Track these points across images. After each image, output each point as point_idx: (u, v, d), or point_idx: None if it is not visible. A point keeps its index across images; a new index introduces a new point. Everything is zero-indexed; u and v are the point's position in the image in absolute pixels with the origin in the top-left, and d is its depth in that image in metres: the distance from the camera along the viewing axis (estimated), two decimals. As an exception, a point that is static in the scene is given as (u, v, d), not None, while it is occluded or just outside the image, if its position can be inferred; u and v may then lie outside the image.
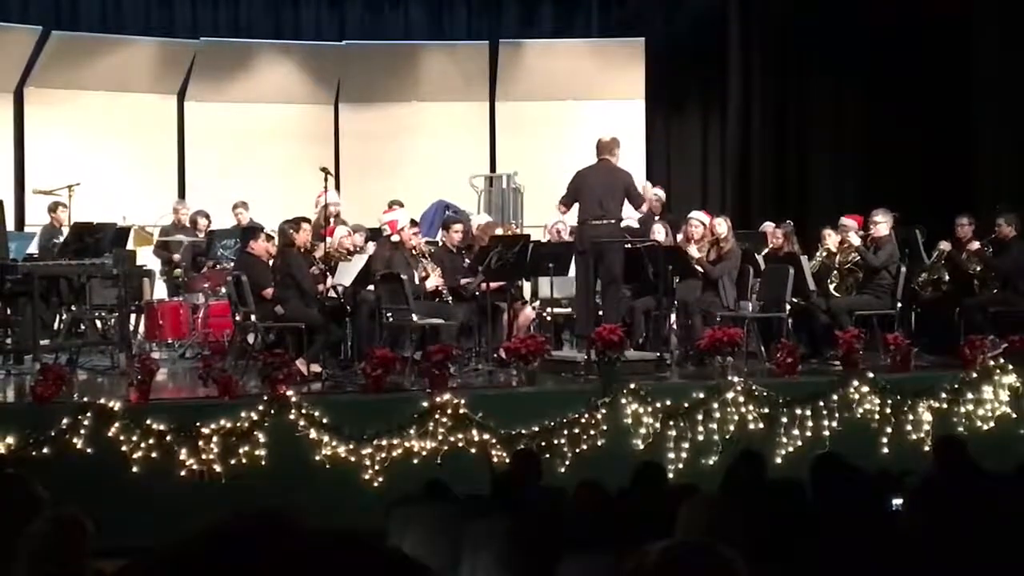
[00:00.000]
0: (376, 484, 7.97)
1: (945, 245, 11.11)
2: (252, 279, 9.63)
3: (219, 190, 13.51)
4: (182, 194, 14.25)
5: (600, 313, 9.82)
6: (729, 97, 15.01)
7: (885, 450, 8.92)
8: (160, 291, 12.15)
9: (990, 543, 4.02)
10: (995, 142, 13.29)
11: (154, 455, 7.74)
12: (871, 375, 9.12)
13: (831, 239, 10.93)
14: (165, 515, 7.16)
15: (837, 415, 8.91)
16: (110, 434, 7.69)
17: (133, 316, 11.30)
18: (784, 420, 8.80)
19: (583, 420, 8.43)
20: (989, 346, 9.59)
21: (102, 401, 7.84)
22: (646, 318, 10.44)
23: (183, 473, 7.76)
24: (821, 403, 8.89)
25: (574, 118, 14.68)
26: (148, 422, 7.76)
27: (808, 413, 8.85)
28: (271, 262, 9.91)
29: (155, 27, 14.86)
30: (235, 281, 9.72)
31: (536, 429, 8.32)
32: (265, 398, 8.04)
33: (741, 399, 8.75)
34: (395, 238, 10.50)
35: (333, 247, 10.73)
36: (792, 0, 14.40)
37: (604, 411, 8.49)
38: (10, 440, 7.53)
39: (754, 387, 8.82)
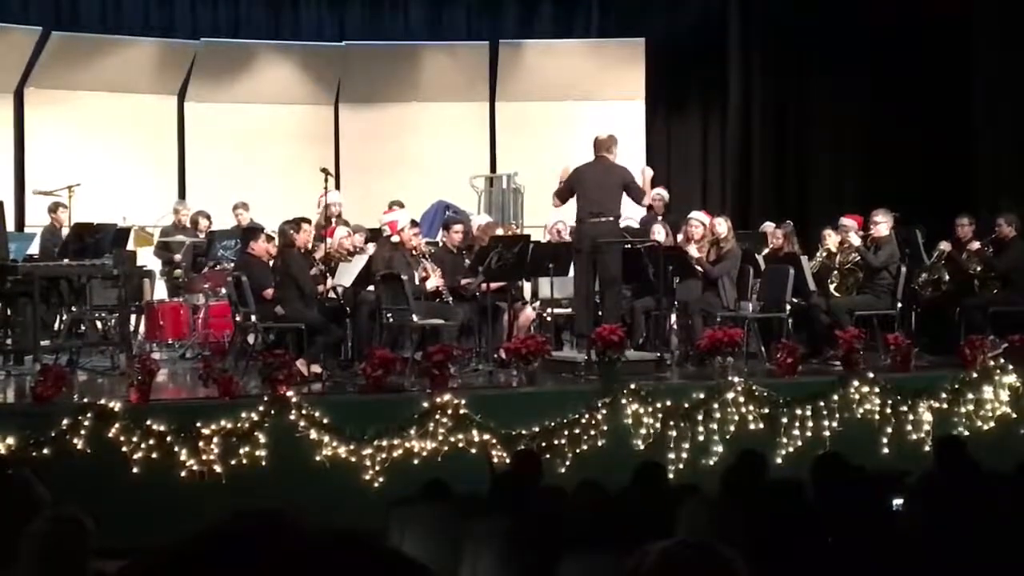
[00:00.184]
0: (376, 484, 7.97)
1: (945, 245, 11.11)
2: (252, 280, 9.63)
3: (219, 191, 13.50)
4: (182, 195, 14.25)
5: (600, 313, 9.82)
6: (729, 97, 15.01)
7: (885, 450, 8.93)
8: (160, 292, 12.16)
9: (990, 543, 4.02)
10: (995, 142, 13.29)
11: (154, 455, 7.73)
12: (871, 375, 9.12)
13: (831, 239, 10.93)
14: (165, 515, 7.16)
15: (837, 415, 8.91)
16: (110, 435, 7.69)
17: (133, 316, 11.31)
18: (784, 420, 8.79)
19: (583, 420, 8.43)
20: (989, 346, 9.59)
21: (102, 402, 7.84)
22: (646, 318, 10.44)
23: (183, 474, 7.76)
24: (821, 403, 8.89)
25: (574, 118, 14.68)
26: (148, 423, 7.76)
27: (808, 413, 8.85)
28: (271, 263, 9.92)
29: (155, 28, 14.87)
30: (235, 282, 9.72)
31: (536, 429, 8.32)
32: (265, 399, 8.04)
33: (741, 399, 8.75)
34: (395, 238, 10.50)
35: (333, 248, 10.74)
36: (792, 0, 14.39)
37: (604, 411, 8.49)
38: (10, 440, 7.52)
39: (754, 387, 8.82)
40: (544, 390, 8.86)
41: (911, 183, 13.14)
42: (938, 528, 4.25)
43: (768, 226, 12.13)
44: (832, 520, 4.49)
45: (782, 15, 14.50)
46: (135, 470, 7.68)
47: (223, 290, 10.70)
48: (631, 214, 10.58)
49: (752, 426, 8.73)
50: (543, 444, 8.23)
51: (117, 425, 7.70)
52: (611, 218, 9.75)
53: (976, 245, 10.99)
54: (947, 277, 11.14)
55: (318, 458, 7.98)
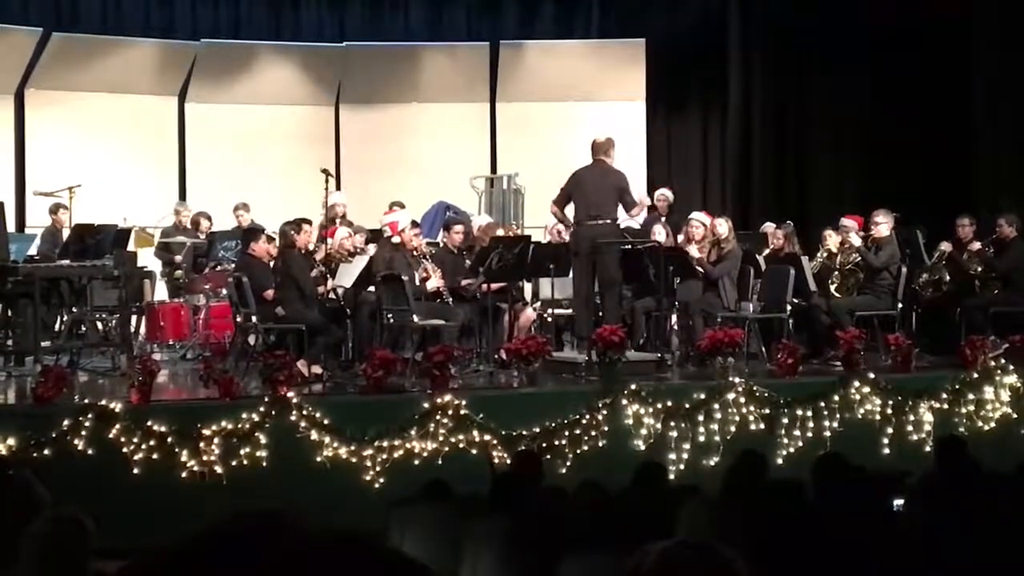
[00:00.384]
0: (377, 485, 7.97)
1: (946, 245, 11.10)
2: (253, 280, 9.64)
3: (220, 191, 13.50)
4: (183, 196, 14.24)
5: (600, 314, 9.82)
6: (729, 98, 15.01)
7: (886, 450, 8.92)
8: (161, 292, 12.15)
9: (991, 543, 4.02)
10: (995, 142, 13.28)
11: (155, 456, 7.73)
12: (872, 375, 9.12)
13: (832, 240, 10.92)
14: (166, 516, 7.17)
15: (838, 415, 8.91)
16: (111, 435, 7.69)
17: (134, 317, 11.31)
18: (785, 421, 8.79)
19: (584, 421, 8.43)
20: (990, 346, 9.59)
21: (103, 402, 7.84)
22: (647, 319, 10.44)
23: (184, 474, 7.76)
24: (822, 403, 8.89)
25: (575, 119, 14.67)
26: (149, 423, 7.76)
27: (809, 414, 8.85)
28: (272, 263, 9.92)
29: (155, 28, 14.86)
30: (236, 282, 9.72)
31: (537, 430, 8.32)
32: (266, 399, 8.04)
33: (742, 400, 8.75)
34: (396, 239, 10.51)
35: (334, 248, 10.74)
36: (792, 0, 14.39)
37: (605, 412, 8.49)
38: (11, 441, 7.53)
39: (755, 388, 8.82)
40: (545, 391, 8.86)
41: (911, 183, 13.14)
42: (939, 528, 4.25)
43: (769, 227, 12.13)
44: (833, 520, 4.49)
45: (782, 15, 14.50)
46: (136, 471, 7.68)
47: (224, 291, 10.70)
48: (627, 216, 10.56)
49: (753, 426, 8.73)
50: (544, 445, 8.23)
51: (118, 426, 7.71)
52: (608, 220, 9.75)
53: (977, 245, 10.99)
54: (948, 277, 11.14)
55: (319, 459, 7.98)
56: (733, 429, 8.66)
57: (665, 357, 9.82)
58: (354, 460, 8.01)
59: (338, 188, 12.51)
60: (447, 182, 13.89)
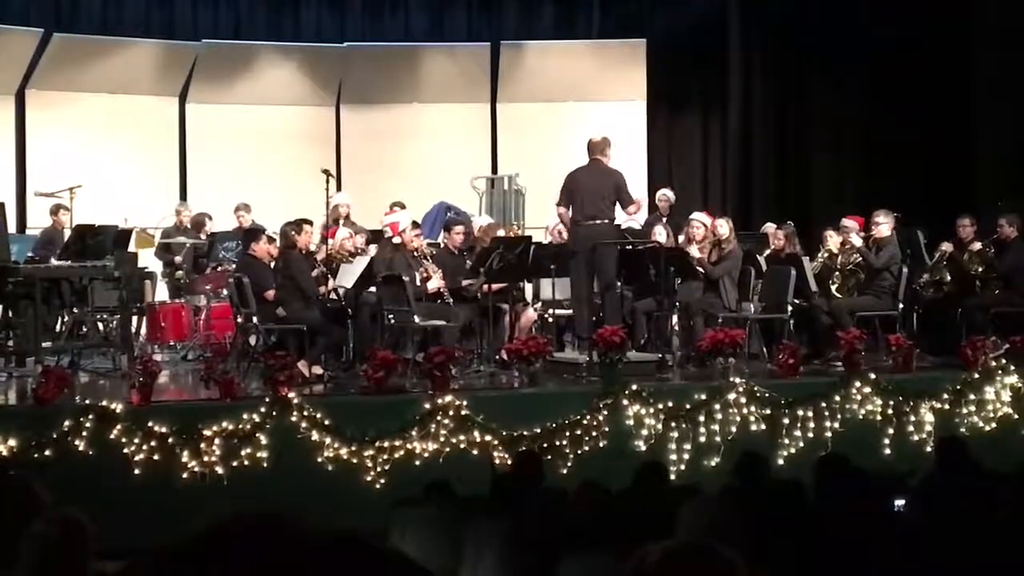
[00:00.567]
0: (378, 486, 7.97)
1: (947, 246, 11.09)
2: (254, 281, 9.64)
3: (220, 192, 13.51)
4: (184, 196, 14.24)
5: (600, 314, 9.83)
6: (730, 98, 15.01)
7: (887, 451, 8.92)
8: (162, 293, 12.16)
9: (991, 543, 4.02)
10: (995, 142, 13.28)
11: (156, 457, 7.74)
12: (873, 376, 9.11)
13: (832, 240, 10.92)
14: (166, 517, 7.16)
15: (839, 416, 8.91)
16: (112, 436, 7.69)
17: (135, 318, 11.31)
18: (786, 421, 8.79)
19: (585, 421, 8.43)
20: (991, 347, 9.58)
21: (104, 403, 7.84)
22: (647, 319, 10.44)
23: (185, 475, 7.76)
24: (823, 404, 8.89)
25: (575, 119, 14.67)
26: (150, 424, 7.76)
27: (810, 414, 8.85)
28: (272, 264, 9.92)
29: (156, 29, 14.86)
30: (237, 283, 9.72)
31: (538, 430, 8.33)
32: (267, 400, 8.04)
33: (743, 400, 8.74)
34: (396, 240, 10.51)
35: (335, 249, 10.74)
36: (792, 0, 14.40)
37: (606, 412, 8.49)
38: (12, 442, 7.53)
39: (756, 388, 8.82)
40: (545, 391, 8.86)
41: (912, 183, 13.15)
42: (939, 528, 4.26)
43: (769, 227, 12.13)
44: (834, 521, 4.49)
45: (782, 15, 14.50)
46: (136, 471, 7.69)
47: (224, 291, 10.70)
48: (627, 215, 10.56)
49: (753, 427, 8.73)
50: (544, 445, 8.23)
51: (118, 427, 7.71)
52: (607, 220, 9.74)
53: (978, 246, 10.99)
54: (948, 278, 11.13)
55: (320, 459, 7.98)
56: (734, 430, 8.66)
57: (666, 357, 9.82)
58: (355, 461, 8.01)
59: (339, 188, 12.51)
60: (448, 182, 13.89)
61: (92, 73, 14.24)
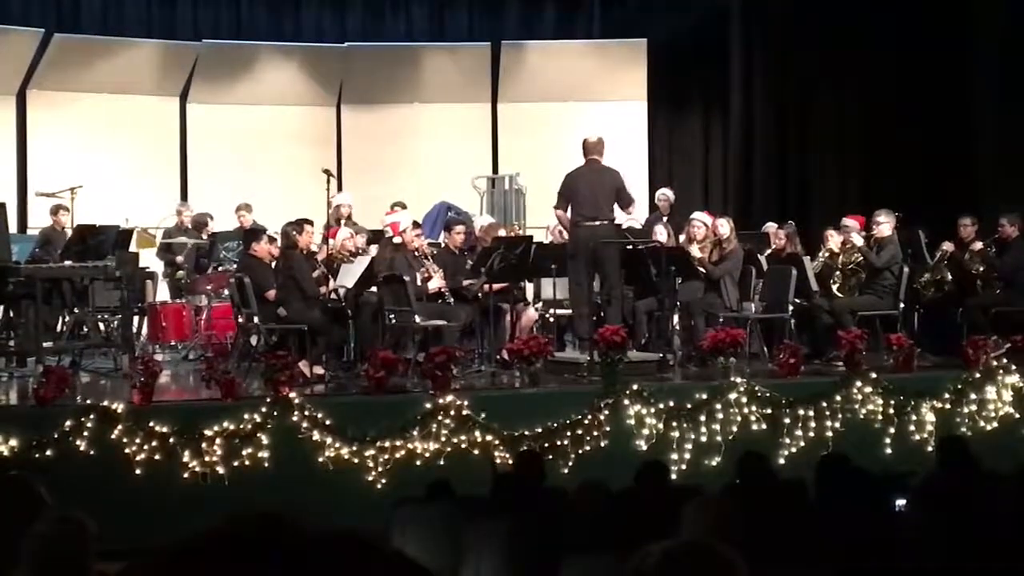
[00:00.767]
0: (379, 486, 7.97)
1: (948, 245, 11.09)
2: (254, 281, 9.64)
3: (221, 192, 13.51)
4: (184, 196, 14.25)
5: (602, 314, 9.82)
6: (731, 98, 15.01)
7: (888, 451, 8.92)
8: (163, 293, 12.16)
9: (992, 543, 4.02)
10: (995, 142, 13.27)
11: (157, 457, 7.74)
12: (874, 376, 9.11)
13: (833, 240, 10.92)
14: (167, 517, 7.18)
15: (840, 416, 8.90)
16: (113, 436, 7.69)
17: (136, 318, 11.32)
18: (787, 421, 8.79)
19: (586, 421, 8.43)
20: (992, 346, 9.57)
21: (105, 403, 7.84)
22: (648, 319, 10.44)
23: (186, 475, 7.76)
24: (824, 404, 8.89)
25: (576, 119, 14.67)
26: (151, 424, 7.76)
27: (811, 414, 8.84)
28: (273, 264, 9.92)
29: (157, 29, 14.86)
30: (238, 283, 9.73)
31: (539, 430, 8.32)
32: (268, 400, 8.04)
33: (744, 400, 8.74)
34: (397, 240, 10.51)
35: (336, 249, 10.74)
36: (793, 1, 14.39)
37: (607, 412, 8.49)
38: (13, 442, 7.53)
39: (757, 388, 8.82)
40: (546, 391, 8.85)
41: (913, 183, 13.13)
42: (940, 528, 4.25)
43: (770, 226, 12.12)
44: (835, 520, 4.49)
45: (783, 15, 14.50)
46: (137, 472, 7.69)
47: (225, 291, 10.70)
48: (626, 215, 10.55)
49: (755, 427, 8.73)
50: (545, 445, 8.22)
51: (119, 427, 7.71)
52: (606, 221, 9.72)
53: (979, 245, 10.99)
54: (950, 277, 11.13)
55: (321, 459, 7.98)
56: (735, 429, 8.66)
57: (667, 357, 9.81)
58: (356, 461, 8.01)
59: (339, 189, 12.51)
60: (448, 182, 13.90)
61: (93, 73, 14.24)
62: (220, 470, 7.79)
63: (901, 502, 5.16)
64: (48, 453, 7.56)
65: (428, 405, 8.21)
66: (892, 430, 8.99)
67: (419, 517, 4.71)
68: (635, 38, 15.21)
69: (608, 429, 8.47)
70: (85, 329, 10.49)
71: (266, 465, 7.87)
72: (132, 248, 11.45)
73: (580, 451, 8.35)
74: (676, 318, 10.60)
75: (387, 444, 8.05)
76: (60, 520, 3.24)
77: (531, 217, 13.37)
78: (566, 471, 8.09)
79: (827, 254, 10.95)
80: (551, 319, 10.73)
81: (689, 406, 8.65)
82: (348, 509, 7.48)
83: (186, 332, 11.37)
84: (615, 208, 9.83)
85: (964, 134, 13.41)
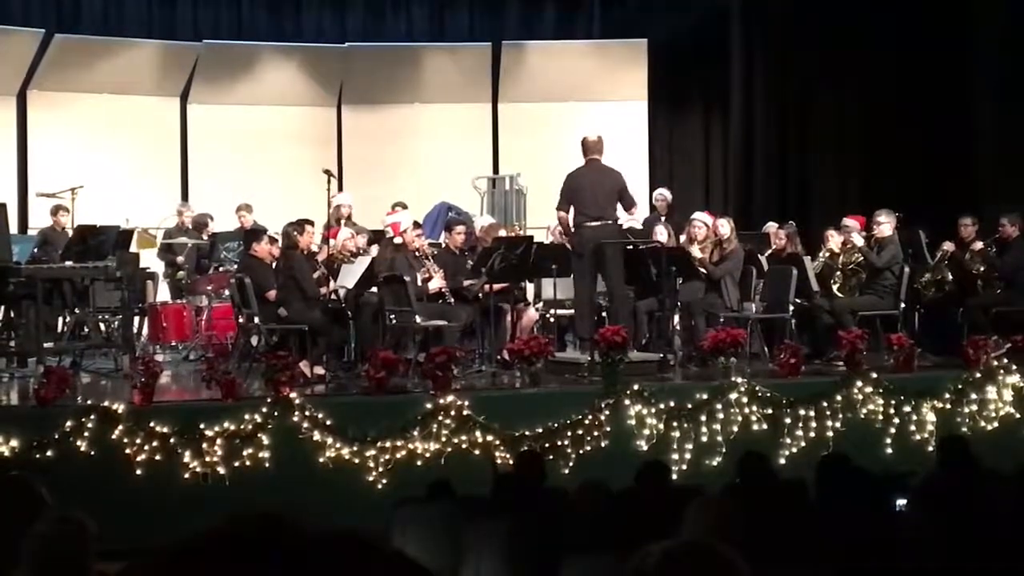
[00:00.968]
0: (380, 486, 7.97)
1: (948, 245, 11.09)
2: (255, 281, 9.64)
3: (222, 192, 13.52)
4: (185, 197, 14.25)
5: (603, 314, 9.81)
6: (731, 98, 15.01)
7: (889, 450, 8.92)
8: (163, 293, 12.16)
9: (992, 543, 4.02)
10: (996, 142, 13.27)
11: (157, 457, 7.74)
12: (874, 375, 9.11)
13: (834, 239, 10.92)
14: (168, 517, 7.18)
15: (841, 416, 8.90)
16: (113, 436, 7.70)
17: (136, 318, 11.33)
18: (788, 421, 8.79)
19: (587, 421, 8.43)
20: (993, 346, 9.57)
21: (105, 403, 7.84)
22: (649, 319, 10.43)
23: (186, 475, 7.76)
24: (824, 404, 8.89)
25: (577, 119, 14.65)
26: (151, 424, 7.76)
27: (812, 414, 8.84)
28: (274, 264, 9.92)
29: (157, 30, 14.86)
30: (238, 283, 9.73)
31: (540, 430, 8.32)
32: (268, 400, 8.04)
33: (744, 400, 8.74)
34: (398, 240, 10.51)
35: (336, 249, 10.74)
36: (794, 1, 14.39)
37: (607, 412, 8.49)
38: (14, 443, 7.53)
39: (757, 388, 8.82)
40: (547, 391, 8.85)
41: (913, 183, 13.13)
42: (940, 528, 4.25)
43: (771, 227, 12.12)
44: (835, 520, 4.49)
45: (783, 15, 14.50)
46: (138, 472, 7.69)
47: (226, 292, 10.71)
48: (627, 215, 10.53)
49: (755, 427, 8.73)
50: (546, 445, 8.22)
51: (120, 427, 7.71)
52: (610, 221, 9.70)
53: (979, 245, 10.99)
54: (950, 277, 11.13)
55: (321, 460, 7.98)
56: (736, 429, 8.66)
57: (667, 357, 9.80)
58: (357, 461, 8.01)
59: (340, 189, 12.51)
60: (449, 183, 13.90)
61: (93, 74, 14.25)
62: (221, 470, 7.79)
63: (901, 502, 5.16)
64: (49, 453, 7.56)
65: (429, 405, 8.21)
66: (892, 430, 8.99)
67: (419, 517, 4.71)
68: (635, 38, 15.21)
69: (609, 429, 8.47)
70: (86, 329, 10.50)
71: (267, 465, 7.87)
72: (133, 248, 11.46)
73: (581, 451, 8.35)
74: (677, 318, 10.61)
75: (387, 444, 8.05)
76: (60, 520, 3.24)
77: (531, 217, 13.37)
78: (567, 471, 8.09)
79: (827, 254, 10.95)
80: (552, 319, 10.73)
81: (690, 406, 8.65)
82: (348, 509, 7.48)
83: (187, 332, 11.37)
84: (618, 208, 9.82)
85: (964, 134, 13.41)
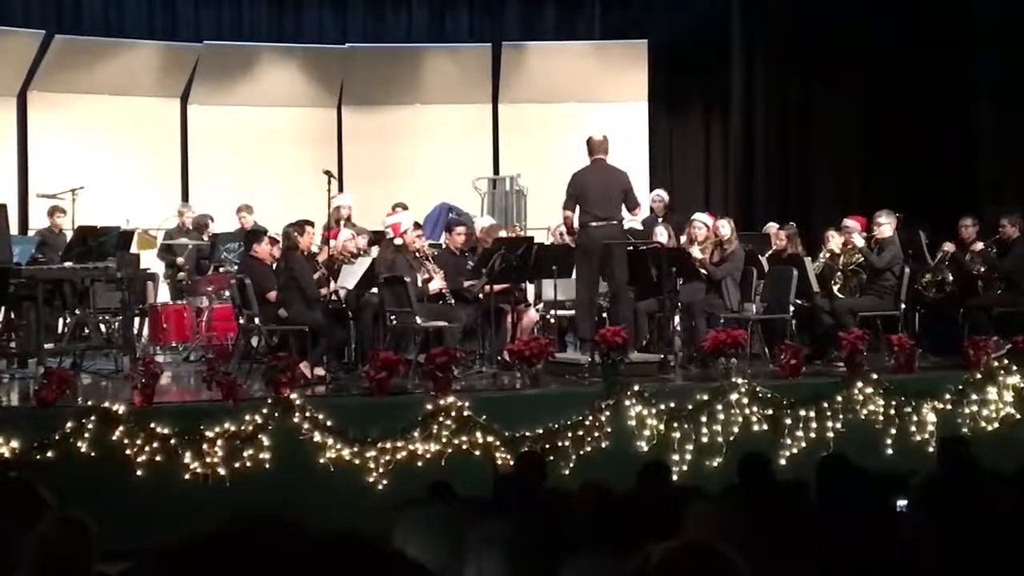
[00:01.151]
0: (380, 487, 7.97)
1: (949, 246, 11.09)
2: (255, 282, 9.64)
3: (222, 193, 13.52)
4: (185, 197, 14.26)
5: (604, 315, 9.80)
6: (732, 98, 15.01)
7: (889, 451, 8.92)
8: (164, 294, 12.17)
9: (993, 543, 4.02)
10: (996, 142, 13.27)
11: (158, 458, 7.73)
12: (875, 376, 9.11)
13: (834, 240, 10.92)
14: (169, 518, 7.17)
15: (841, 416, 8.90)
16: (114, 437, 7.69)
17: (137, 319, 11.33)
18: (788, 422, 8.79)
19: (587, 422, 8.43)
20: (993, 347, 9.57)
21: (106, 404, 7.84)
22: (650, 320, 10.43)
23: (187, 476, 7.76)
24: (825, 404, 8.89)
25: (577, 120, 14.67)
26: (152, 425, 7.76)
27: (812, 414, 8.84)
28: (274, 265, 9.92)
29: (158, 30, 14.88)
30: (238, 284, 9.73)
31: (540, 431, 8.32)
32: (269, 401, 8.04)
33: (745, 401, 8.74)
34: (398, 241, 10.51)
35: (337, 250, 10.74)
36: (794, 1, 14.39)
37: (608, 413, 8.49)
38: (15, 444, 7.53)
39: (758, 389, 8.82)
40: (547, 392, 8.85)
41: (914, 184, 13.13)
42: (941, 528, 4.25)
43: (771, 227, 12.12)
44: (835, 520, 4.48)
45: (784, 16, 14.50)
46: (139, 473, 7.69)
47: (226, 293, 10.71)
48: (630, 216, 10.53)
49: (756, 427, 8.73)
50: (547, 446, 8.22)
51: (121, 428, 7.71)
52: (615, 221, 9.70)
53: (980, 246, 10.99)
54: (951, 278, 11.13)
55: (322, 461, 7.98)
56: (736, 430, 8.66)
57: (668, 358, 9.81)
58: (357, 462, 8.01)
59: (340, 190, 12.51)
60: (449, 183, 13.91)
61: (94, 74, 14.26)
62: (221, 471, 7.79)
63: (902, 502, 5.15)
64: (49, 454, 7.56)
65: (429, 406, 8.21)
66: (893, 431, 8.99)
67: (420, 518, 4.70)
68: (635, 39, 15.23)
69: (609, 430, 8.46)
70: (86, 330, 10.50)
71: (267, 466, 7.87)
72: (133, 249, 11.45)
73: (581, 452, 8.35)
74: (677, 319, 10.61)
75: (388, 445, 8.04)
76: (61, 521, 3.24)
77: (532, 218, 13.37)
78: (567, 472, 8.09)
79: (828, 255, 10.96)
80: (552, 320, 10.73)
81: (690, 407, 8.65)
82: (349, 510, 7.47)
83: (187, 333, 11.38)
84: (622, 209, 9.83)
85: (964, 134, 13.40)
